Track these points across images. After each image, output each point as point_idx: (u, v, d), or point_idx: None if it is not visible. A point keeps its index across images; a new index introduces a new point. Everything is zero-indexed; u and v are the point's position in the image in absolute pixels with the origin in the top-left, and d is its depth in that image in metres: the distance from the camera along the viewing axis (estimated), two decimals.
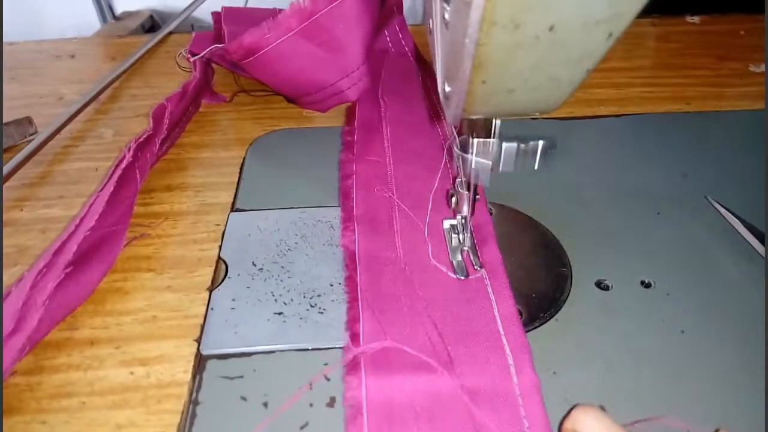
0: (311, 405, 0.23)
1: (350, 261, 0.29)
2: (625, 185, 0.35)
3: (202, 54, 0.44)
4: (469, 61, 0.18)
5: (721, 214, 0.32)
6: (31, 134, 0.41)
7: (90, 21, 1.47)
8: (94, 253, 0.29)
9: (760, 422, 0.23)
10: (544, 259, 0.30)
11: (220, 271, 0.30)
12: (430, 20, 0.26)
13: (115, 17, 1.54)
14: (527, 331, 0.26)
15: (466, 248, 0.29)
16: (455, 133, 0.26)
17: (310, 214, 0.33)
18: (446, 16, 0.21)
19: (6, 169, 0.36)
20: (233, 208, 0.34)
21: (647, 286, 0.29)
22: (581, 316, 0.27)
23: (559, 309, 0.27)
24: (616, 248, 0.30)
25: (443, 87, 0.22)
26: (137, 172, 0.34)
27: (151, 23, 1.46)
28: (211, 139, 0.41)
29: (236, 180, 0.37)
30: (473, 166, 0.25)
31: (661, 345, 0.26)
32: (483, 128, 0.24)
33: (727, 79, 0.49)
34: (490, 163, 0.25)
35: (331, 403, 0.24)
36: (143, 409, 0.24)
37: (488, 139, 0.24)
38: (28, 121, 0.41)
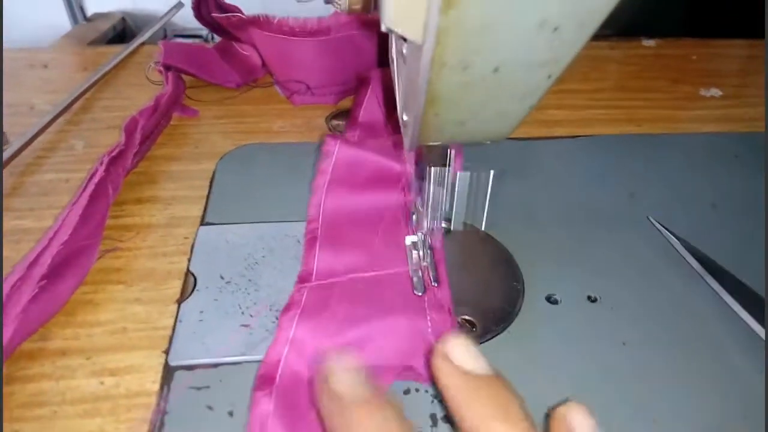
0: None
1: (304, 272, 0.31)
2: (576, 204, 0.37)
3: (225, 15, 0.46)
4: (423, 96, 0.20)
5: (661, 233, 0.34)
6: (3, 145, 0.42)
7: (61, 21, 1.46)
8: (68, 266, 0.30)
9: (688, 420, 0.25)
10: (498, 275, 0.32)
11: (189, 283, 0.31)
12: (392, 50, 0.27)
13: (86, 18, 1.52)
14: (480, 343, 0.28)
15: (425, 263, 0.31)
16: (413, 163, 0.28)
17: (279, 228, 0.35)
18: (404, 51, 0.22)
19: None
20: (203, 222, 0.35)
21: (593, 300, 0.31)
22: (532, 329, 0.29)
23: (511, 322, 0.29)
24: (565, 264, 0.32)
25: (401, 115, 0.24)
26: (109, 186, 0.35)
27: (123, 25, 1.46)
28: (181, 151, 0.42)
29: (206, 193, 0.38)
30: (431, 193, 0.27)
31: (604, 355, 0.28)
32: (440, 157, 0.26)
33: (679, 102, 0.52)
34: (445, 190, 0.27)
35: None
36: (113, 417, 0.25)
37: (444, 167, 0.26)
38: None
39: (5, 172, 0.38)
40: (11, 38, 0.58)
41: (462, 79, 0.19)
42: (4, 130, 0.42)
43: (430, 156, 0.26)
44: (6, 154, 0.38)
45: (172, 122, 0.46)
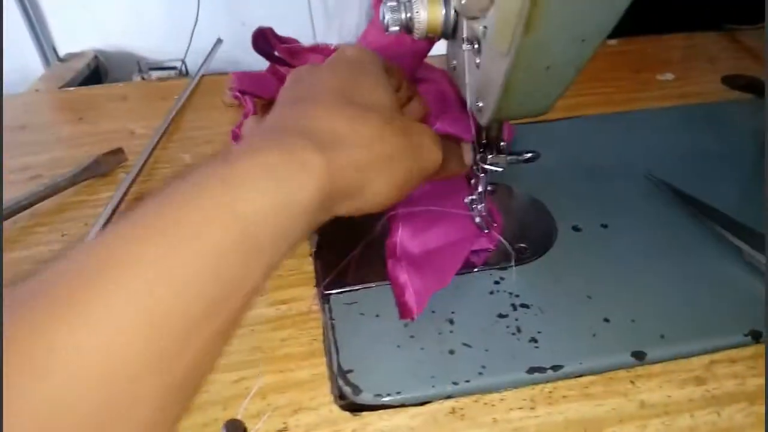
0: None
1: None
2: (581, 166, 0.49)
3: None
4: (500, 88, 0.32)
5: (648, 178, 0.47)
6: (124, 161, 0.52)
7: (31, 63, 1.53)
8: None
9: (676, 314, 0.37)
10: (536, 216, 0.44)
11: (313, 240, 0.42)
12: (454, 61, 0.39)
13: (59, 59, 1.60)
14: (533, 261, 0.40)
15: (484, 213, 0.43)
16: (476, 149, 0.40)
17: None
18: (477, 61, 0.34)
19: (123, 186, 0.47)
20: None
21: (605, 226, 0.43)
22: (566, 248, 0.41)
23: (551, 245, 0.41)
24: (581, 206, 0.45)
25: (476, 102, 0.35)
26: None
27: (96, 63, 1.54)
28: None
29: None
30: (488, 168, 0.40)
31: (616, 263, 0.40)
32: (495, 146, 0.38)
33: (642, 85, 0.65)
34: (501, 170, 0.40)
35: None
36: (295, 328, 0.36)
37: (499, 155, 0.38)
38: (120, 150, 0.52)
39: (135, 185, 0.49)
40: None
41: (525, 75, 0.31)
42: (124, 150, 0.53)
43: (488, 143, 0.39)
44: (137, 165, 0.49)
45: None
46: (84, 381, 0.17)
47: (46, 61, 1.57)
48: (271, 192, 0.23)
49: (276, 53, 0.54)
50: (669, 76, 0.67)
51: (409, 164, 0.31)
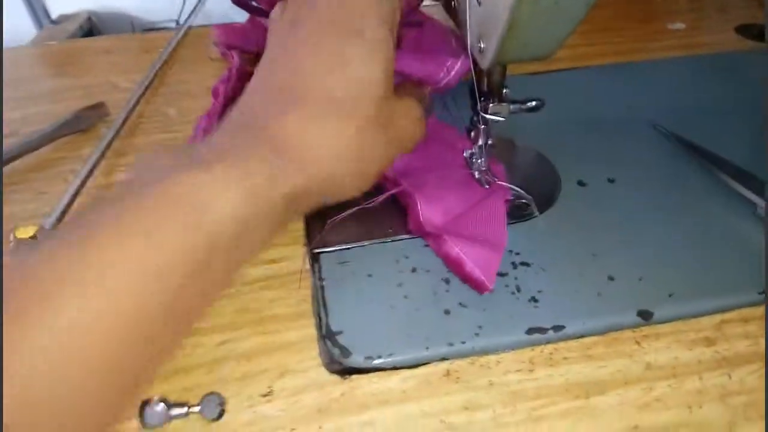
0: (400, 272, 0.34)
1: None
2: (586, 118, 0.47)
3: None
4: (505, 25, 0.29)
5: (656, 130, 0.45)
6: (106, 116, 0.50)
7: (23, 26, 1.49)
8: None
9: (685, 272, 0.35)
10: (539, 170, 0.41)
11: None
12: (453, 2, 0.36)
13: (51, 21, 1.56)
14: (537, 216, 0.38)
15: (484, 168, 0.41)
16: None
17: None
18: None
19: (105, 141, 0.44)
20: None
21: (612, 181, 0.41)
22: (571, 203, 0.39)
23: (556, 200, 0.39)
24: (587, 159, 0.42)
25: (478, 43, 0.33)
26: None
27: (90, 24, 1.50)
28: None
29: None
30: (489, 118, 0.37)
31: (622, 220, 0.38)
32: (497, 94, 0.36)
33: (651, 35, 0.62)
34: (503, 119, 0.37)
35: (414, 270, 0.35)
36: (284, 288, 0.35)
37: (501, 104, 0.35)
38: (102, 105, 0.50)
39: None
40: None
41: (533, 9, 0.28)
42: (106, 104, 0.50)
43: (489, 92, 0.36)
44: (119, 120, 0.46)
45: None
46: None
47: (39, 23, 1.53)
48: (236, 201, 0.23)
49: (254, 2, 0.51)
50: (680, 25, 0.64)
51: (386, 156, 0.30)
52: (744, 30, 0.61)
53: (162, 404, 0.27)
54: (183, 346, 0.29)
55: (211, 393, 0.28)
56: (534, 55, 0.32)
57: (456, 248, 0.34)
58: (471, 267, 0.33)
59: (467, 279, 0.33)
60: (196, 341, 0.32)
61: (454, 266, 0.34)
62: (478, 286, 0.33)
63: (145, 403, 0.27)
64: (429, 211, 0.37)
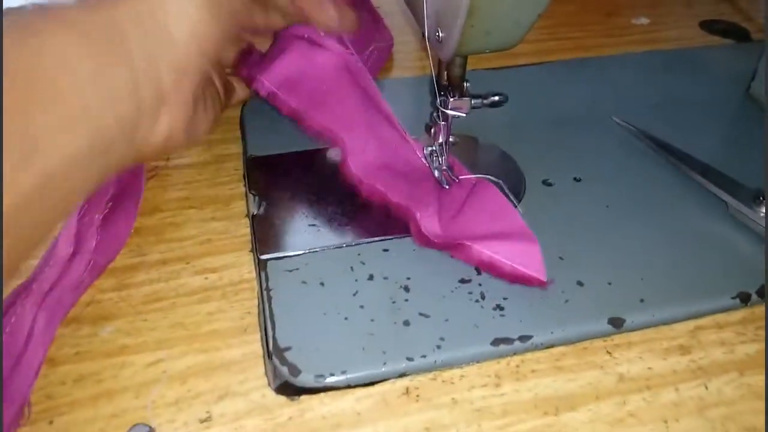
0: (356, 280, 0.32)
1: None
2: (549, 114, 0.45)
3: None
4: (464, 11, 0.26)
5: (622, 127, 0.43)
6: None
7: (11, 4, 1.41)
8: (126, 189, 0.36)
9: (656, 276, 0.33)
10: (502, 169, 0.39)
11: (252, 202, 0.37)
12: None
13: None
14: None
15: (444, 168, 0.38)
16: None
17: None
18: None
19: None
20: (247, 155, 0.40)
21: (578, 180, 0.39)
22: (537, 204, 0.37)
23: (521, 200, 0.37)
24: (552, 157, 0.40)
25: (436, 33, 0.30)
26: None
27: None
28: None
29: (239, 134, 0.43)
30: (450, 114, 0.34)
31: (590, 216, 0.36)
32: (458, 88, 0.33)
33: (616, 30, 0.60)
34: (464, 115, 0.34)
35: (371, 277, 0.32)
36: (225, 300, 0.31)
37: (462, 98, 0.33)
38: None
39: None
40: None
41: None
42: None
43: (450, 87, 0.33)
44: None
45: None
46: None
47: None
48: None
49: None
50: (644, 20, 0.62)
51: None
52: (708, 25, 0.60)
53: None
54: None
55: (139, 424, 0.25)
56: (497, 46, 0.30)
57: (486, 251, 0.32)
58: (512, 266, 0.31)
59: (515, 279, 0.31)
60: (124, 360, 0.28)
61: (492, 269, 0.32)
62: (530, 283, 0.31)
63: None
64: (428, 221, 0.34)
